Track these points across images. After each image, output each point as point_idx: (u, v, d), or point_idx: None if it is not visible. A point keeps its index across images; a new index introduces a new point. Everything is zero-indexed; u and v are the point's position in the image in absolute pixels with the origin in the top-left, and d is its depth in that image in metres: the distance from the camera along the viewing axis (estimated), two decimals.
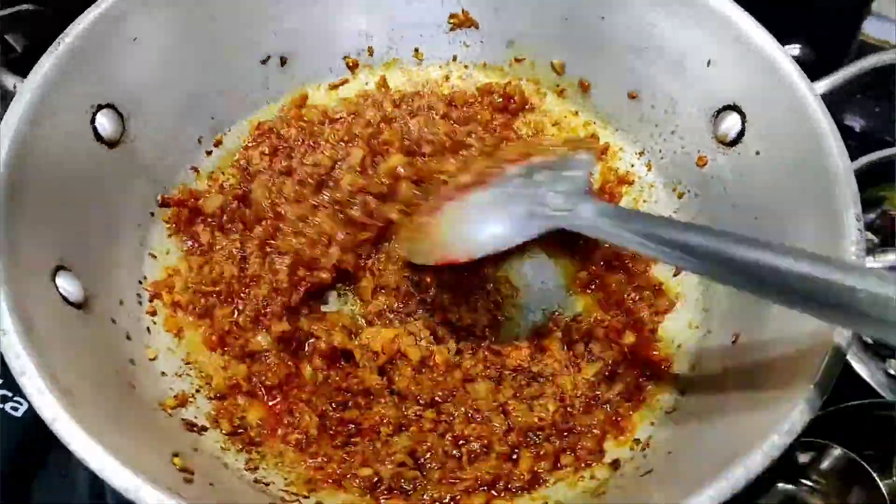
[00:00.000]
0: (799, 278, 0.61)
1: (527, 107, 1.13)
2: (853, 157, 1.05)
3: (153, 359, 0.87)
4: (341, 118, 1.06)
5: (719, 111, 0.94)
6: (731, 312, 0.89)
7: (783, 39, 0.90)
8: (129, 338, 0.85)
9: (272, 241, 0.95)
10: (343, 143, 1.00)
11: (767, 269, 0.63)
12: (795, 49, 1.26)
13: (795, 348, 0.74)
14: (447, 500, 0.82)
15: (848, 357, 0.95)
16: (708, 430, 0.79)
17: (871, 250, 0.99)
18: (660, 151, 1.04)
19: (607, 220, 0.77)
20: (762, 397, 0.73)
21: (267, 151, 1.02)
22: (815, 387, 0.67)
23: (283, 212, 0.96)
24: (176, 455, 0.72)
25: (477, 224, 0.86)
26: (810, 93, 0.84)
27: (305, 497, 0.80)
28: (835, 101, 1.01)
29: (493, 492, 0.83)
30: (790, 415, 0.66)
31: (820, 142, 0.81)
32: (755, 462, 0.64)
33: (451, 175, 0.96)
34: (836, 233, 0.76)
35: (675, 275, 0.98)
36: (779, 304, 0.66)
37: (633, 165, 1.07)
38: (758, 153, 0.90)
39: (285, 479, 0.82)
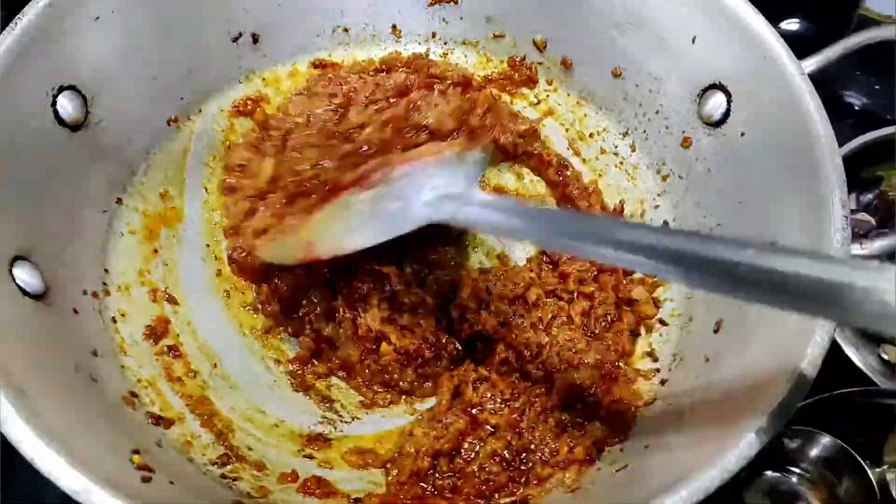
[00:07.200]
0: (780, 277, 0.54)
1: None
2: (852, 136, 1.03)
3: (119, 350, 0.84)
4: None
5: (704, 90, 0.91)
6: (713, 299, 0.86)
7: (784, 14, 0.86)
8: (91, 329, 0.82)
9: None
10: None
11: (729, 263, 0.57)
12: (795, 23, 1.22)
13: (780, 337, 0.71)
14: None
15: (839, 341, 0.94)
16: (688, 422, 0.77)
17: (862, 235, 0.96)
18: (644, 132, 1.01)
19: (496, 212, 0.74)
20: (745, 386, 0.71)
21: None
22: (801, 372, 0.66)
23: None
24: (136, 452, 0.70)
25: (347, 222, 0.82)
26: (797, 71, 0.80)
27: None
28: (834, 78, 0.98)
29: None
30: (775, 404, 0.64)
31: (806, 124, 0.78)
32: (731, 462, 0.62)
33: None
34: (821, 219, 0.74)
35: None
36: (757, 303, 0.59)
37: (616, 146, 1.04)
38: (743, 134, 0.86)
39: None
